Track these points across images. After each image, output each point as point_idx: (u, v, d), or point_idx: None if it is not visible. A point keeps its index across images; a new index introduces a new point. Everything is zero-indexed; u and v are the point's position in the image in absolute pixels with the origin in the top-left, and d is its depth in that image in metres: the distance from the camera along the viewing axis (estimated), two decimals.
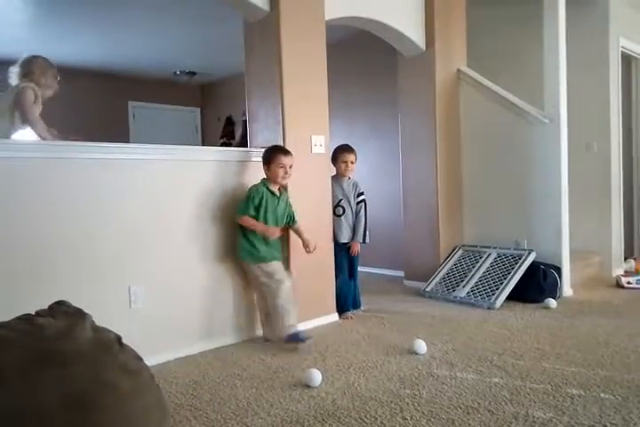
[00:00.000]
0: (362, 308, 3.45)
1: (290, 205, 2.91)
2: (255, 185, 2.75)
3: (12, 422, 1.02)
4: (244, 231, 2.72)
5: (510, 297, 3.45)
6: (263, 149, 3.01)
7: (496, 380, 2.16)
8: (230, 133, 6.65)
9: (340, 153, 3.35)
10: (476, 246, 3.98)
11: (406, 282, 4.30)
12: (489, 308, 3.39)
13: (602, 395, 1.96)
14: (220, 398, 2.06)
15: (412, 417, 1.83)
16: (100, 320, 1.44)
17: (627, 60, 4.74)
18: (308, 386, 2.14)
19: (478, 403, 1.93)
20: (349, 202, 3.35)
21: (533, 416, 1.80)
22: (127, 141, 5.92)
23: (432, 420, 1.81)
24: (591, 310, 3.31)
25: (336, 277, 3.28)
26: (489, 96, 4.02)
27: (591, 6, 4.30)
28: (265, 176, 2.79)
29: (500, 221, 4.01)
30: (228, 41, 4.59)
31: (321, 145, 3.17)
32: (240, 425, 1.82)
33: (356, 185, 3.40)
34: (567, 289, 3.72)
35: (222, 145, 6.45)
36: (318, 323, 3.13)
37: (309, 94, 3.11)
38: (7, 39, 4.77)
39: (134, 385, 1.20)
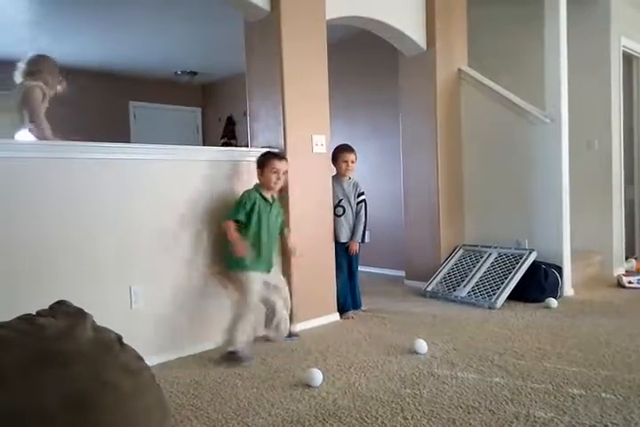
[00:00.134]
0: (362, 307, 3.45)
1: (281, 214, 2.82)
2: (248, 190, 2.68)
3: (13, 422, 1.02)
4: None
5: (511, 297, 3.45)
6: (264, 149, 3.02)
7: (497, 379, 2.16)
8: (231, 133, 6.66)
9: (340, 153, 3.35)
10: (477, 246, 3.98)
11: (407, 282, 4.30)
12: (490, 307, 3.39)
13: (603, 395, 1.96)
14: (220, 398, 2.06)
15: (412, 417, 1.83)
16: (101, 320, 1.44)
17: (628, 59, 4.73)
18: (308, 386, 2.14)
19: (479, 403, 1.93)
20: (350, 202, 3.35)
21: (534, 416, 1.80)
22: (128, 141, 5.92)
23: (433, 419, 1.81)
24: (592, 309, 3.31)
25: (336, 277, 3.28)
26: (490, 96, 4.02)
27: (592, 5, 4.29)
28: (258, 182, 2.72)
29: (500, 221, 4.01)
30: (228, 41, 4.58)
31: (322, 145, 3.16)
32: (241, 425, 1.82)
33: (356, 185, 3.40)
34: (568, 289, 3.71)
35: (223, 145, 6.45)
36: (319, 323, 3.13)
37: (310, 94, 3.11)
38: (9, 39, 4.77)
39: (135, 385, 1.20)
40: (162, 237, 2.55)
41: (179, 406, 1.98)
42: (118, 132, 6.14)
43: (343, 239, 3.31)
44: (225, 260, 2.65)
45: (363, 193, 3.41)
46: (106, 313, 2.19)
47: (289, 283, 3.01)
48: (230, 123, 6.67)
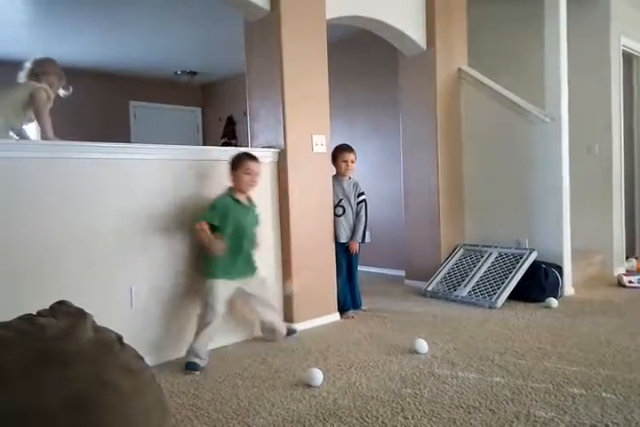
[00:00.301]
0: (363, 307, 3.45)
1: (259, 219, 2.72)
2: (220, 195, 2.58)
3: (13, 423, 1.02)
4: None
5: (512, 296, 3.45)
6: (264, 149, 3.02)
7: (497, 379, 2.16)
8: (231, 133, 6.66)
9: (340, 152, 3.35)
10: (478, 246, 3.97)
11: (407, 282, 4.30)
12: (490, 307, 3.39)
13: (603, 394, 1.96)
14: (221, 398, 2.06)
15: (413, 417, 1.83)
16: (102, 320, 1.44)
17: (628, 58, 4.73)
18: (309, 386, 2.14)
19: (480, 402, 1.93)
20: (350, 202, 3.35)
21: (535, 416, 1.80)
22: (128, 141, 5.92)
23: (433, 419, 1.81)
24: (593, 309, 3.31)
25: (336, 277, 3.28)
26: (490, 95, 4.02)
27: (592, 5, 4.29)
28: (231, 185, 2.62)
29: (501, 221, 4.00)
30: (228, 40, 4.59)
31: (322, 144, 3.16)
32: (241, 425, 1.82)
33: (356, 185, 3.40)
34: (569, 288, 3.71)
35: (223, 145, 6.45)
36: (319, 322, 3.13)
37: (310, 94, 3.11)
38: (8, 39, 4.77)
39: (135, 385, 1.20)
40: (162, 236, 2.55)
41: (179, 406, 1.98)
42: (119, 132, 6.14)
43: (343, 239, 3.31)
44: (201, 266, 2.59)
45: (363, 193, 3.41)
46: (106, 313, 2.19)
47: (289, 283, 3.02)
48: (230, 123, 6.67)
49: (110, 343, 1.30)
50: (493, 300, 3.41)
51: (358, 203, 3.37)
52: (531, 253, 3.60)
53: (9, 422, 1.02)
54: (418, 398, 1.99)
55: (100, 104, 6.07)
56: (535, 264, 3.56)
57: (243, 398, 2.06)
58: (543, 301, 3.42)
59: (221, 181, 2.70)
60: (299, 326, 3.02)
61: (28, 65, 2.90)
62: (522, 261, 3.57)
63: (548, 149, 3.70)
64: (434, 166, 4.06)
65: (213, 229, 2.47)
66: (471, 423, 1.76)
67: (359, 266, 3.50)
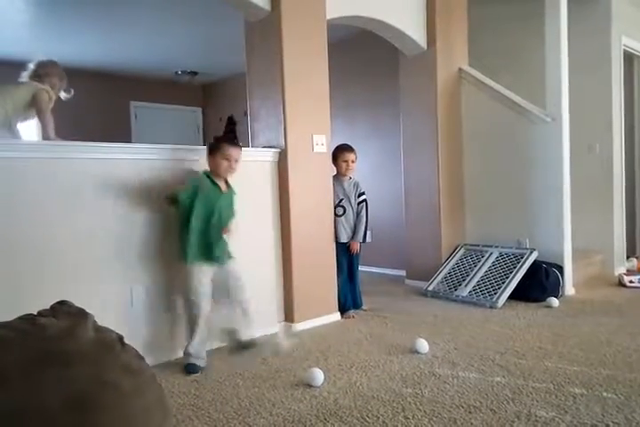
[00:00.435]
0: (363, 307, 3.45)
1: (234, 205, 2.60)
2: (197, 175, 2.50)
3: (14, 422, 1.02)
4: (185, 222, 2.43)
5: (512, 296, 3.44)
6: (265, 149, 3.02)
7: (498, 379, 2.16)
8: (232, 133, 6.66)
9: (340, 152, 3.35)
10: (478, 245, 3.97)
11: (408, 281, 4.30)
12: (491, 307, 3.39)
13: (604, 394, 1.96)
14: (222, 398, 2.06)
15: (413, 416, 1.83)
16: (102, 320, 1.44)
17: (629, 58, 4.73)
18: (310, 385, 2.14)
19: (480, 402, 1.93)
20: (350, 202, 3.35)
21: (536, 415, 1.80)
22: (129, 141, 5.93)
23: (434, 419, 1.81)
24: (593, 308, 3.31)
25: (337, 276, 3.28)
26: (491, 95, 4.02)
27: (593, 4, 4.29)
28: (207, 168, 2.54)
29: (501, 220, 4.00)
30: (229, 41, 4.59)
31: (322, 144, 3.16)
32: (242, 425, 1.82)
33: (357, 185, 3.40)
34: (569, 288, 3.71)
35: None
36: (320, 322, 3.13)
37: (311, 94, 3.11)
38: (9, 39, 4.77)
39: (136, 385, 1.20)
40: (162, 236, 2.55)
41: (180, 406, 1.99)
42: (119, 132, 6.14)
43: (343, 239, 3.31)
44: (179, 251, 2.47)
45: (364, 193, 3.41)
46: (106, 313, 2.20)
47: (289, 283, 3.02)
48: (231, 123, 6.67)
49: (111, 343, 1.30)
50: (494, 300, 3.41)
51: (359, 203, 3.37)
52: (531, 252, 3.60)
53: (9, 422, 1.02)
54: (418, 398, 1.99)
55: (100, 104, 6.07)
56: (536, 264, 3.56)
57: (243, 398, 2.06)
58: (544, 300, 3.42)
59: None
60: (299, 326, 3.02)
61: (31, 66, 2.94)
62: (522, 260, 3.57)
63: (548, 148, 3.70)
64: (434, 166, 4.06)
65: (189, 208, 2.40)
66: (472, 423, 1.76)
67: (360, 266, 3.50)
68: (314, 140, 3.12)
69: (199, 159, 2.67)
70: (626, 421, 1.74)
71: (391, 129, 4.67)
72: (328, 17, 3.21)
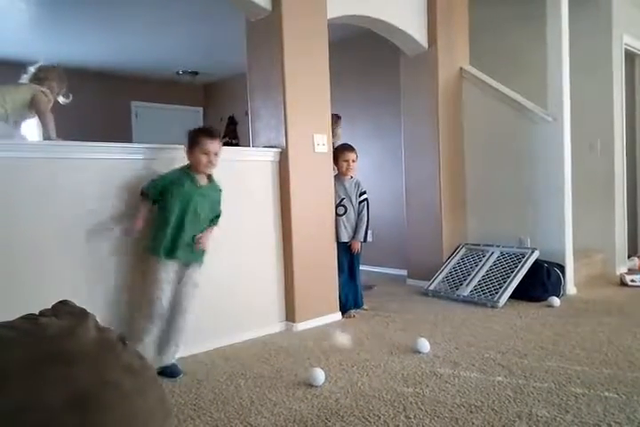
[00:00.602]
0: (364, 306, 3.45)
1: (219, 202, 2.49)
2: (174, 169, 2.41)
3: (16, 422, 1.03)
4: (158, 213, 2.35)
5: (514, 296, 3.44)
6: (266, 149, 3.02)
7: (499, 378, 2.15)
8: (232, 133, 6.66)
9: (341, 152, 3.35)
10: (479, 245, 3.97)
11: (409, 281, 4.30)
12: (492, 306, 3.38)
13: (606, 393, 1.96)
14: (223, 398, 2.06)
15: (415, 416, 1.83)
16: (103, 320, 1.44)
17: (630, 57, 4.72)
18: (311, 385, 2.14)
19: (482, 402, 1.93)
20: (351, 201, 3.35)
21: (537, 415, 1.80)
22: (130, 142, 5.93)
23: (435, 419, 1.80)
24: (595, 308, 3.30)
25: (337, 276, 3.28)
26: (492, 94, 4.01)
27: (594, 3, 4.28)
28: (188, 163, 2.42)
29: (503, 220, 4.00)
30: (230, 40, 4.59)
31: (323, 144, 3.16)
32: (243, 424, 1.82)
33: (358, 184, 3.40)
34: (571, 287, 3.71)
35: (224, 145, 6.44)
36: (321, 322, 3.13)
37: (312, 93, 3.11)
38: (10, 39, 4.78)
39: (137, 385, 1.20)
40: None
41: (181, 406, 1.99)
42: (120, 132, 6.15)
43: (344, 239, 3.31)
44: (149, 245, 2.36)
45: (365, 192, 3.41)
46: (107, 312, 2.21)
47: (291, 283, 3.02)
48: (232, 123, 6.68)
49: (112, 343, 1.30)
50: (495, 299, 3.41)
51: (360, 202, 3.37)
52: (533, 252, 3.60)
53: (11, 421, 1.03)
54: (420, 398, 1.99)
55: (101, 104, 6.08)
56: (537, 263, 3.55)
57: (245, 397, 2.06)
58: (545, 300, 3.41)
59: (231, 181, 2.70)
60: (300, 326, 3.02)
61: (31, 69, 2.98)
62: (524, 260, 3.57)
63: (549, 148, 3.69)
64: (435, 166, 4.06)
65: (156, 201, 2.35)
66: (473, 423, 1.76)
67: (361, 265, 3.50)
68: (315, 140, 3.12)
69: None
70: (627, 420, 1.74)
71: (392, 128, 4.67)
72: (329, 16, 3.21)
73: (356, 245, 3.35)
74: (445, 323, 3.06)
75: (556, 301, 3.37)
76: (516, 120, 3.88)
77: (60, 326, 1.23)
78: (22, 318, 1.31)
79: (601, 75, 4.30)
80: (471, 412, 1.84)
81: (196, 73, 6.36)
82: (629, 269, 4.39)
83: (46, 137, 2.80)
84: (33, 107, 2.85)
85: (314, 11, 3.10)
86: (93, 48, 5.23)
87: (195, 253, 2.37)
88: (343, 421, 1.82)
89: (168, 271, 2.30)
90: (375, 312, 3.38)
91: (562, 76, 3.59)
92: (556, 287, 3.53)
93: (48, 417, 1.05)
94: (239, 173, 2.88)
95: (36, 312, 1.36)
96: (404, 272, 4.42)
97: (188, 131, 2.41)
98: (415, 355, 2.50)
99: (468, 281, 3.68)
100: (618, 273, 4.21)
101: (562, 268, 3.62)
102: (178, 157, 2.61)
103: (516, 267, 3.55)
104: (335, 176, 3.33)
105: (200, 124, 7.16)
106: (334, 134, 3.78)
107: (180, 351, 2.49)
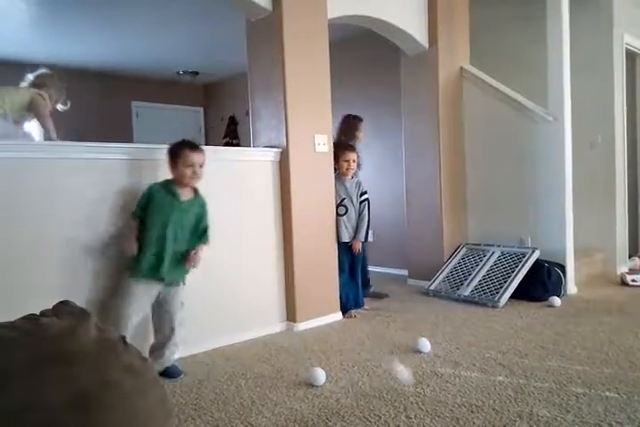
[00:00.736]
0: (365, 306, 3.45)
1: (204, 218, 2.38)
2: (153, 183, 2.33)
3: (17, 422, 1.03)
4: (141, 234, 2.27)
5: (514, 295, 3.44)
6: (267, 149, 3.02)
7: (500, 378, 2.15)
8: (233, 133, 6.66)
9: (341, 152, 3.35)
10: (480, 245, 3.97)
11: (410, 281, 4.30)
12: (493, 306, 3.38)
13: (606, 393, 1.96)
14: (224, 398, 2.06)
15: (415, 416, 1.83)
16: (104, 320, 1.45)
17: (631, 56, 4.71)
18: (312, 385, 2.14)
19: (482, 401, 1.93)
20: (352, 201, 3.35)
21: (538, 415, 1.80)
22: (131, 142, 5.93)
23: (436, 418, 1.80)
24: (596, 307, 3.30)
25: (338, 276, 3.28)
26: (493, 94, 4.01)
27: (595, 3, 4.27)
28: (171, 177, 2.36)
29: (503, 220, 4.00)
30: (230, 40, 4.58)
31: (324, 144, 3.16)
32: (244, 424, 1.82)
33: (359, 184, 3.40)
34: (571, 287, 3.71)
35: (225, 145, 6.46)
36: (322, 322, 3.13)
37: (312, 93, 3.11)
38: (11, 40, 4.78)
39: (138, 385, 1.20)
40: None
41: (182, 406, 1.99)
42: (121, 132, 6.15)
43: (345, 239, 3.31)
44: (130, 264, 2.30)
45: (365, 192, 3.41)
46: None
47: (291, 283, 3.02)
48: (232, 123, 6.68)
49: (113, 343, 1.30)
50: (496, 299, 3.41)
51: (361, 202, 3.38)
52: (533, 251, 3.60)
53: (12, 422, 1.03)
54: (420, 398, 1.99)
55: (102, 104, 6.08)
56: (538, 263, 3.55)
57: (245, 397, 2.06)
58: (546, 299, 3.41)
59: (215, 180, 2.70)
60: (301, 326, 3.02)
61: (30, 77, 3.01)
62: (524, 259, 3.56)
63: (550, 147, 3.69)
64: (436, 165, 4.06)
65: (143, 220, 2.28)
66: (474, 422, 1.76)
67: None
68: (315, 140, 3.12)
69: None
70: (628, 420, 1.74)
71: (392, 128, 4.67)
72: (329, 16, 3.21)
73: (357, 246, 3.35)
74: (446, 323, 3.06)
75: (556, 300, 3.37)
76: (517, 120, 3.88)
77: (60, 326, 1.23)
78: (23, 318, 1.31)
79: (601, 74, 4.30)
80: (472, 412, 1.84)
81: (196, 73, 6.36)
82: (630, 269, 4.39)
83: (47, 138, 2.81)
84: (31, 109, 2.87)
85: (314, 11, 3.10)
86: (93, 48, 5.22)
87: (178, 272, 2.31)
88: (344, 421, 1.82)
89: (146, 294, 2.24)
90: (376, 312, 3.38)
91: (562, 75, 3.59)
92: (557, 287, 3.53)
93: (49, 417, 1.05)
94: (240, 173, 2.88)
95: (37, 312, 1.36)
96: (405, 272, 4.42)
97: (169, 145, 2.35)
98: (416, 355, 2.50)
99: (468, 281, 3.68)
100: (619, 273, 4.21)
101: (562, 267, 3.62)
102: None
103: (517, 267, 3.55)
104: (336, 176, 3.33)
105: (201, 124, 7.17)
106: (355, 137, 3.80)
107: (181, 351, 2.49)
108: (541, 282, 3.49)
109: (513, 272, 3.53)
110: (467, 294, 3.59)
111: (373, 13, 3.57)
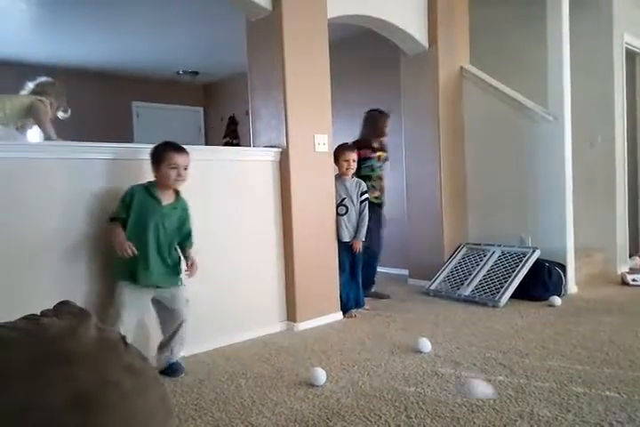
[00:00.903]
0: (365, 306, 3.45)
1: (187, 221, 2.36)
2: (134, 185, 2.28)
3: (17, 422, 1.03)
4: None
5: (515, 295, 3.44)
6: (267, 149, 3.02)
7: (501, 378, 2.15)
8: (233, 133, 6.66)
9: (341, 152, 3.35)
10: (480, 244, 3.97)
11: (410, 280, 4.30)
12: (493, 306, 3.38)
13: (607, 393, 1.96)
14: (224, 397, 2.06)
15: (416, 416, 1.83)
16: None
17: (631, 56, 4.71)
18: (312, 385, 2.14)
19: (483, 401, 1.92)
20: (352, 201, 3.35)
21: (538, 414, 1.80)
22: (132, 142, 5.93)
23: (437, 418, 1.80)
24: (596, 307, 3.30)
25: (339, 276, 3.28)
26: (493, 93, 4.01)
27: (595, 3, 4.27)
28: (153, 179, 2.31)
29: (503, 219, 4.00)
30: (230, 40, 4.59)
31: (324, 144, 3.16)
32: (245, 424, 1.82)
33: (359, 184, 3.40)
34: (572, 286, 3.71)
35: (225, 145, 6.46)
36: (322, 322, 3.13)
37: (312, 93, 3.11)
38: (11, 40, 4.78)
39: (138, 384, 1.20)
40: None
41: (182, 406, 1.99)
42: (121, 132, 6.15)
43: (345, 239, 3.31)
44: (112, 268, 2.29)
45: (366, 192, 3.41)
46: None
47: (292, 282, 3.02)
48: (232, 123, 6.68)
49: (114, 343, 1.30)
50: (496, 298, 3.41)
51: (361, 202, 3.38)
52: (534, 251, 3.60)
53: (12, 422, 1.03)
54: (421, 397, 1.99)
55: (102, 104, 6.08)
56: (538, 262, 3.55)
57: (246, 397, 2.06)
58: (546, 299, 3.41)
59: (211, 179, 2.70)
60: (301, 326, 3.02)
61: (30, 85, 3.02)
62: (525, 259, 3.56)
63: (550, 147, 3.69)
64: (436, 165, 4.06)
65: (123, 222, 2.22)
66: (474, 422, 1.76)
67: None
68: (315, 140, 3.12)
69: (202, 159, 2.68)
70: (629, 419, 1.74)
71: (393, 128, 4.64)
72: (329, 16, 3.21)
73: (358, 245, 3.35)
74: (446, 323, 3.06)
75: (557, 300, 3.37)
76: (517, 119, 3.88)
77: (61, 326, 1.23)
78: (23, 318, 1.31)
79: (601, 74, 4.30)
80: (472, 411, 1.84)
81: (196, 73, 6.37)
82: (631, 269, 4.39)
83: (47, 138, 2.81)
84: (31, 114, 2.86)
85: (314, 10, 3.10)
86: (93, 48, 5.23)
87: (169, 276, 2.29)
88: (344, 420, 1.82)
89: (139, 298, 2.23)
90: (376, 312, 3.38)
91: (562, 74, 3.59)
92: (558, 287, 3.53)
93: (49, 417, 1.05)
94: (240, 172, 2.88)
95: (37, 312, 1.36)
96: (406, 272, 4.42)
97: (153, 147, 2.32)
98: (416, 355, 2.50)
99: (469, 281, 3.68)
100: (619, 272, 4.21)
101: (563, 267, 3.62)
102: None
103: (517, 266, 3.55)
104: (336, 176, 3.33)
105: (201, 124, 7.17)
106: (383, 133, 3.78)
107: (182, 351, 2.49)
108: (542, 282, 3.49)
109: (513, 272, 3.52)
110: (467, 293, 3.59)
111: (373, 13, 3.57)
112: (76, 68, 5.73)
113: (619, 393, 1.95)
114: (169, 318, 2.34)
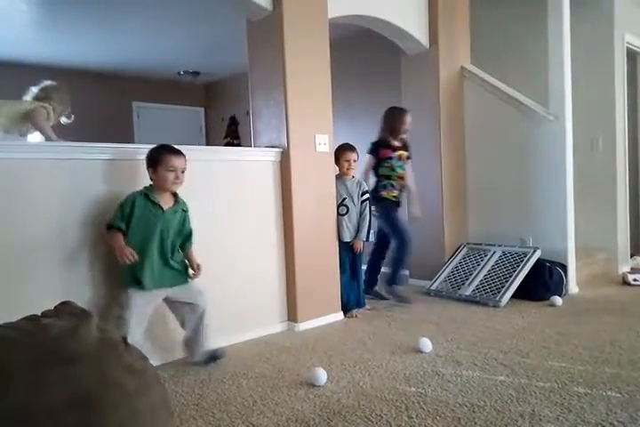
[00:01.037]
0: (366, 306, 3.44)
1: (187, 222, 2.39)
2: (133, 192, 2.27)
3: (19, 421, 1.03)
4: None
5: (516, 295, 3.44)
6: (267, 149, 3.02)
7: (502, 378, 2.15)
8: (234, 133, 6.66)
9: (342, 152, 3.35)
10: (481, 244, 3.97)
11: (411, 280, 4.29)
12: (494, 306, 3.38)
13: (608, 393, 1.96)
14: (225, 398, 2.06)
15: (417, 416, 1.83)
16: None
17: (632, 55, 4.71)
18: (313, 385, 2.14)
19: (484, 401, 1.92)
20: (353, 201, 3.35)
21: (540, 414, 1.80)
22: (132, 142, 5.94)
23: (437, 418, 1.80)
24: (597, 307, 3.30)
25: (340, 276, 3.28)
26: (493, 93, 4.01)
27: (595, 3, 4.27)
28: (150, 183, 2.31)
29: (504, 219, 4.00)
30: (231, 40, 4.59)
31: (325, 144, 3.16)
32: (245, 424, 1.82)
33: (360, 184, 3.40)
34: (573, 286, 3.70)
35: (226, 145, 6.46)
36: (323, 322, 3.13)
37: (313, 93, 3.10)
38: (11, 40, 4.79)
39: (139, 384, 1.20)
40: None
41: (183, 406, 1.99)
42: (122, 132, 6.16)
43: (346, 238, 3.31)
44: (118, 275, 2.29)
45: (367, 192, 3.41)
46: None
47: (292, 282, 3.02)
48: (233, 123, 6.68)
49: (115, 343, 1.30)
50: (497, 298, 3.40)
51: (362, 202, 3.38)
52: (535, 251, 3.59)
53: (14, 421, 1.03)
54: (422, 398, 1.99)
55: (102, 105, 6.08)
56: (539, 262, 3.55)
57: (247, 397, 2.06)
58: (547, 299, 3.41)
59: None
60: (302, 326, 3.02)
61: (34, 90, 2.99)
62: (526, 259, 3.56)
63: (551, 147, 3.69)
64: (437, 165, 4.05)
65: (126, 232, 2.22)
66: (476, 422, 1.76)
67: (364, 265, 3.49)
68: (316, 140, 3.12)
69: (202, 159, 2.68)
70: (630, 419, 1.73)
71: None
72: (330, 16, 3.21)
73: (359, 245, 3.35)
74: (447, 322, 3.06)
75: (558, 300, 3.36)
76: (518, 119, 3.87)
77: (62, 326, 1.23)
78: (25, 318, 1.31)
79: (602, 73, 4.29)
80: (473, 411, 1.84)
81: (197, 73, 6.37)
82: (632, 269, 4.39)
83: (47, 138, 2.81)
84: (29, 120, 2.83)
85: (315, 10, 3.10)
86: (94, 48, 5.23)
87: (177, 277, 2.33)
88: (345, 421, 1.82)
89: (148, 302, 2.25)
90: (377, 312, 3.37)
91: (563, 74, 3.59)
92: (559, 287, 3.52)
93: (51, 417, 1.05)
94: (241, 173, 2.87)
95: (39, 313, 1.36)
96: (406, 272, 4.41)
97: (149, 150, 2.32)
98: (417, 354, 2.49)
99: (470, 281, 3.68)
100: (620, 272, 4.21)
101: (564, 267, 3.61)
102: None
103: (518, 266, 3.55)
104: (337, 176, 3.33)
105: (202, 124, 7.17)
106: (404, 131, 3.76)
107: (181, 352, 2.50)
108: (543, 282, 3.49)
109: (514, 272, 3.52)
110: (468, 293, 3.59)
111: (374, 13, 3.57)
112: (76, 69, 5.74)
113: (620, 393, 1.95)
114: (188, 312, 2.36)
